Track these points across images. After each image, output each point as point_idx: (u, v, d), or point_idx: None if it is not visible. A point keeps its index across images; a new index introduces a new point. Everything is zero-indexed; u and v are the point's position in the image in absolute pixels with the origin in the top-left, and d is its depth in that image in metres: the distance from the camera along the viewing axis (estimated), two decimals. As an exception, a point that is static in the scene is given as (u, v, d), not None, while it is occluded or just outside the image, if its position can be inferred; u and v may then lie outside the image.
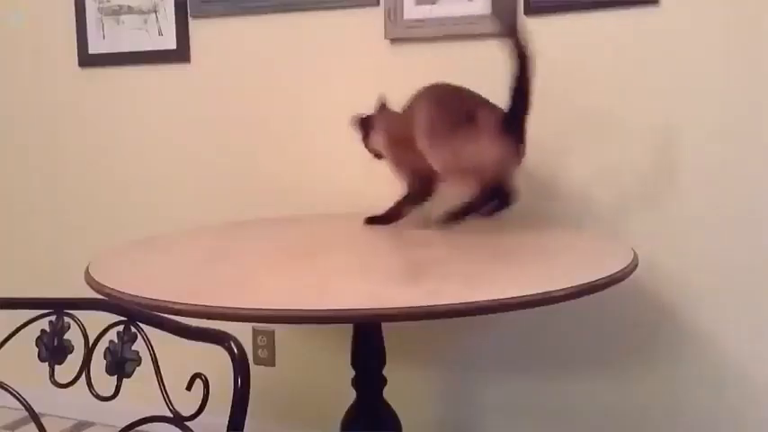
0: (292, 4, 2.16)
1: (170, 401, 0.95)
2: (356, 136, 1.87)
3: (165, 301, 1.16)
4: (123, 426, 1.03)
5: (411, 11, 2.02)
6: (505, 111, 1.56)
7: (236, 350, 0.88)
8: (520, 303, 1.18)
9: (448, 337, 2.12)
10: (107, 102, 2.47)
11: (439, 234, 1.74)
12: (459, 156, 1.59)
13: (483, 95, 1.63)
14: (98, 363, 1.03)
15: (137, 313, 1.03)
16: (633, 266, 1.39)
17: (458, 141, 1.58)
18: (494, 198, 1.64)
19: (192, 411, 0.91)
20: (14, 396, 1.08)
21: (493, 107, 1.59)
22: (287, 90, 2.23)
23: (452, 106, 1.64)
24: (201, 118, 2.34)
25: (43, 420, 1.12)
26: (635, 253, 1.47)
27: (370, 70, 2.11)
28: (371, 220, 1.82)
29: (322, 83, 2.18)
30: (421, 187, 1.77)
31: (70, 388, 1.03)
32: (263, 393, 2.25)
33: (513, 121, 1.55)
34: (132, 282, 1.32)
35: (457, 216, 1.65)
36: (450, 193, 1.70)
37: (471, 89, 1.66)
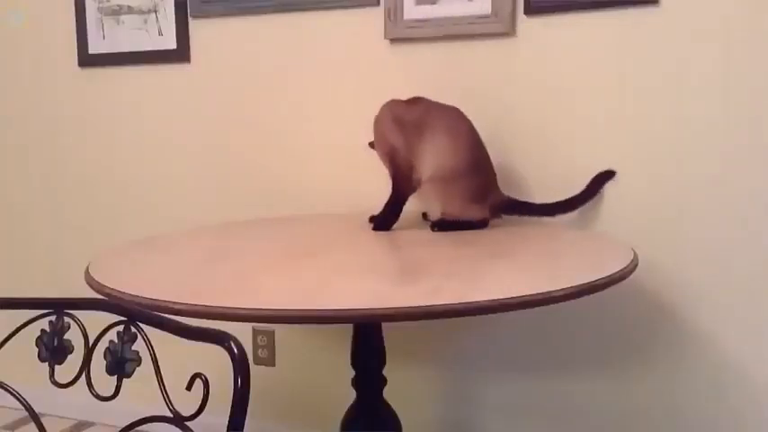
0: (292, 4, 2.16)
1: (170, 401, 0.95)
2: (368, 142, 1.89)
3: (165, 301, 1.16)
4: (123, 426, 1.03)
5: (411, 11, 2.02)
6: (509, 199, 1.83)
7: (236, 350, 0.88)
8: (520, 303, 1.18)
9: (448, 337, 2.12)
10: (107, 102, 2.47)
11: (438, 234, 1.74)
12: (454, 205, 1.76)
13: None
14: (98, 363, 1.02)
15: (137, 313, 1.02)
16: (633, 266, 1.39)
17: (462, 200, 1.76)
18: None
19: (192, 411, 0.91)
20: (14, 396, 1.08)
21: (496, 187, 1.83)
22: (287, 90, 2.23)
23: (482, 169, 1.80)
24: (201, 118, 2.34)
25: (43, 420, 1.12)
26: (635, 253, 1.47)
27: (370, 70, 2.11)
28: (376, 227, 1.81)
29: (322, 83, 2.18)
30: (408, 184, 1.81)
31: (70, 388, 1.03)
32: (263, 393, 2.25)
33: (510, 208, 1.84)
34: (132, 282, 1.32)
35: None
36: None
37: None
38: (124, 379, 1.00)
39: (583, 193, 1.86)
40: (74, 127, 2.53)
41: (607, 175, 1.87)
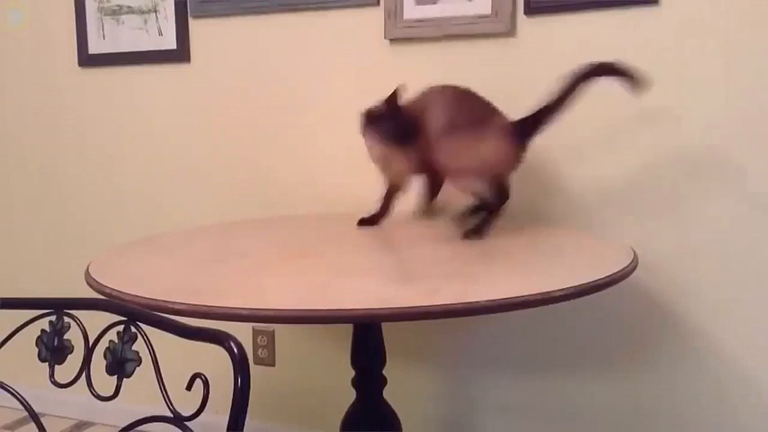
0: (292, 4, 2.16)
1: (170, 401, 0.95)
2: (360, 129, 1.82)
3: (165, 301, 1.16)
4: (123, 426, 1.03)
5: (411, 11, 2.02)
6: (519, 118, 1.66)
7: (236, 350, 0.88)
8: (520, 303, 1.18)
9: (448, 337, 2.12)
10: (107, 102, 2.47)
11: (438, 234, 1.74)
12: (469, 152, 1.64)
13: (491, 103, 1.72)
14: (98, 363, 1.02)
15: (137, 313, 1.02)
16: (633, 266, 1.39)
17: (470, 139, 1.64)
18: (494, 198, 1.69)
19: (192, 411, 0.91)
20: (14, 396, 1.08)
21: (501, 115, 1.68)
22: (287, 90, 2.23)
23: (469, 106, 1.70)
24: (201, 118, 2.34)
25: (43, 420, 1.12)
26: (635, 253, 1.47)
27: (370, 70, 2.11)
28: (362, 222, 1.82)
29: (322, 83, 2.18)
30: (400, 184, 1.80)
31: (70, 388, 1.03)
32: (263, 393, 2.26)
33: (524, 129, 1.65)
34: (132, 282, 1.32)
35: (481, 231, 1.66)
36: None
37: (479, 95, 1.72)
38: (124, 379, 1.00)
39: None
40: (74, 127, 2.53)
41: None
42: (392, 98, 1.72)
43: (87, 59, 2.45)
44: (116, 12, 2.38)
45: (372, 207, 1.85)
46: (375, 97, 1.85)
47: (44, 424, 1.11)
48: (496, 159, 1.65)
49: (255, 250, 1.67)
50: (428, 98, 1.74)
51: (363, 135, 1.76)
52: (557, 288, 1.20)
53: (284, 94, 2.24)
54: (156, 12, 2.33)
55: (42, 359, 1.07)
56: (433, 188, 1.81)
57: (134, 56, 2.38)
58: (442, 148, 1.66)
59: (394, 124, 1.69)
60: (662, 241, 1.87)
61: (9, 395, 1.08)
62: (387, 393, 1.74)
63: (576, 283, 1.23)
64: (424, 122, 1.69)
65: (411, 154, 1.70)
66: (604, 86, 1.89)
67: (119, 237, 2.28)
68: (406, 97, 1.82)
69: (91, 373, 1.03)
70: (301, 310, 1.17)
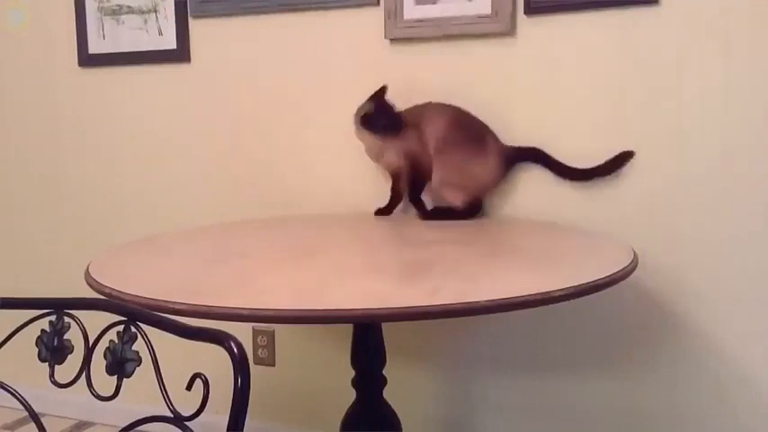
0: (292, 4, 2.16)
1: (170, 401, 0.95)
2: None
3: (165, 301, 1.16)
4: (123, 426, 1.03)
5: (411, 11, 2.02)
6: (512, 146, 1.92)
7: (236, 350, 0.88)
8: (520, 303, 1.18)
9: (448, 337, 2.12)
10: (107, 102, 2.47)
11: (439, 234, 1.74)
12: (464, 168, 1.88)
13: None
14: (98, 363, 1.02)
15: (137, 313, 1.02)
16: (633, 266, 1.39)
17: (465, 157, 1.89)
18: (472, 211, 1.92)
19: (192, 411, 0.91)
20: (14, 396, 1.08)
21: (496, 138, 1.92)
22: (286, 90, 2.23)
23: (468, 125, 1.91)
24: (201, 118, 2.34)
25: (43, 420, 1.12)
26: (635, 253, 1.47)
27: (370, 70, 2.11)
28: (378, 212, 1.99)
29: (322, 83, 2.18)
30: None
31: (70, 388, 1.03)
32: (263, 393, 2.26)
33: (513, 156, 1.93)
34: (132, 282, 1.32)
35: (436, 214, 1.92)
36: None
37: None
38: (124, 379, 1.00)
39: (601, 167, 1.87)
40: (74, 127, 2.53)
41: (627, 155, 1.86)
42: (378, 94, 1.92)
43: (87, 59, 2.45)
44: (116, 12, 2.38)
45: (372, 207, 1.85)
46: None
47: (44, 424, 1.12)
48: (486, 178, 1.90)
49: (255, 250, 1.67)
50: (429, 110, 1.92)
51: (356, 131, 1.95)
52: (557, 288, 1.20)
53: (284, 94, 2.24)
54: (156, 12, 2.33)
55: (42, 359, 1.07)
56: (415, 186, 1.96)
57: (134, 56, 2.38)
58: (440, 159, 1.85)
59: (381, 118, 1.90)
60: (662, 241, 1.87)
61: (9, 395, 1.08)
62: (387, 393, 1.74)
63: (576, 283, 1.23)
64: (418, 126, 1.89)
65: (398, 145, 1.90)
66: (605, 86, 1.90)
67: (119, 237, 2.28)
68: (406, 104, 1.92)
69: (91, 373, 1.03)
70: (301, 310, 1.17)
